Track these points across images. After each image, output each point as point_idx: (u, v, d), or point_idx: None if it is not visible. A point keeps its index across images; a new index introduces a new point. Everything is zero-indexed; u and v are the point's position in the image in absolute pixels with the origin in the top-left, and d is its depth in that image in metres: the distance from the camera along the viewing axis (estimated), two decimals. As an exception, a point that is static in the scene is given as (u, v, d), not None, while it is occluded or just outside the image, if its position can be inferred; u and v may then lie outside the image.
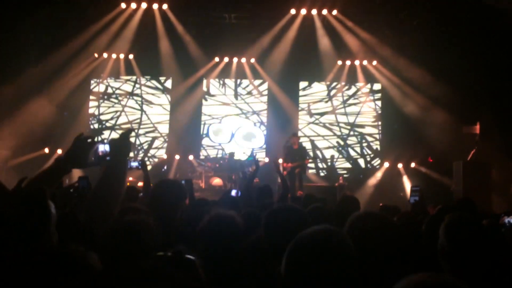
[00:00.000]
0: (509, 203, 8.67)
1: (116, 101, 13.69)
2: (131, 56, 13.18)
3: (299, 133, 12.84)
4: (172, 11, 12.21)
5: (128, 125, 13.39)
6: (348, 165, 13.40)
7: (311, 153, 13.04)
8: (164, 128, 13.59)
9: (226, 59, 13.29)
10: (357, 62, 13.16)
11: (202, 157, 13.29)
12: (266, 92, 13.66)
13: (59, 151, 11.24)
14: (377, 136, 13.47)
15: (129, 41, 12.60)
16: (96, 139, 2.21)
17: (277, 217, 2.19)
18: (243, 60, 13.28)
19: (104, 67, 13.22)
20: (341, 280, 1.38)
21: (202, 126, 13.59)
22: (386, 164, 12.69)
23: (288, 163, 10.37)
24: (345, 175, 12.79)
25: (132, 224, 1.89)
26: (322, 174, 13.27)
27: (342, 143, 13.52)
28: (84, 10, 11.66)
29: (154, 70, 13.37)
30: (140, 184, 8.04)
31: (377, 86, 13.51)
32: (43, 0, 10.78)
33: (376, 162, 13.28)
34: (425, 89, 11.72)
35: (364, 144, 13.48)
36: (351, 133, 13.55)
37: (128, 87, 13.76)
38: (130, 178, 9.81)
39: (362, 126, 13.58)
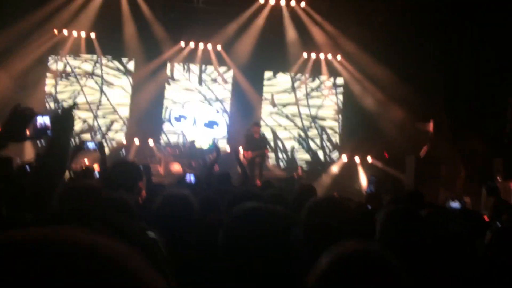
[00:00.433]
0: (455, 195, 9.23)
1: (74, 80, 13.23)
2: (93, 35, 12.68)
3: (261, 123, 12.91)
4: (138, -9, 11.93)
5: (87, 106, 13.01)
6: (307, 156, 13.62)
7: (272, 143, 13.16)
8: (124, 111, 13.27)
9: (192, 44, 13.08)
10: (322, 56, 13.29)
11: (162, 142, 13.11)
12: (230, 80, 13.61)
13: None
14: (337, 130, 13.76)
15: (91, 19, 12.15)
16: (34, 111, 2.07)
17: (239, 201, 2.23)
18: (209, 46, 13.12)
19: (63, 44, 12.72)
20: None
21: (163, 110, 13.38)
22: (344, 157, 12.99)
23: (249, 151, 10.42)
24: (304, 166, 13.00)
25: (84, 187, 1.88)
26: (281, 164, 13.43)
27: (303, 134, 13.71)
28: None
29: (116, 50, 12.97)
30: (96, 166, 7.84)
31: (340, 80, 13.74)
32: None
33: (335, 154, 13.57)
34: (385, 85, 12.10)
35: (324, 137, 13.73)
36: (312, 125, 13.76)
37: (88, 66, 13.29)
38: (86, 160, 9.54)
39: (323, 119, 13.81)
